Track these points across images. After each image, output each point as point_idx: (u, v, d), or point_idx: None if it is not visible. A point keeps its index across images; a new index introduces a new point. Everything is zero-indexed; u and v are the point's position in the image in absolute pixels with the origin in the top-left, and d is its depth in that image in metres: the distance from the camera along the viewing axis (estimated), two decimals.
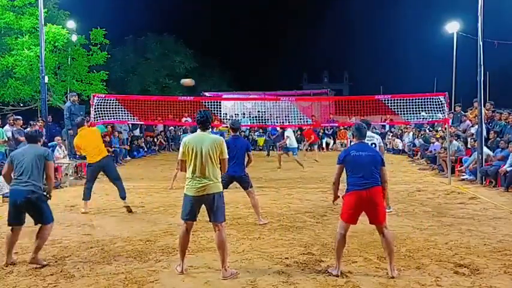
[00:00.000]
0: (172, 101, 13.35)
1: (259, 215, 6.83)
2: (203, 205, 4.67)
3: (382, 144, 7.25)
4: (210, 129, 4.90)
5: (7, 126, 11.07)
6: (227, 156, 4.70)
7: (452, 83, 21.40)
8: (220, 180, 4.69)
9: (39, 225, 5.08)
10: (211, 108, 14.28)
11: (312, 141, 16.96)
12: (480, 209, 7.79)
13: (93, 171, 7.74)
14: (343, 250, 4.70)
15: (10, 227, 5.11)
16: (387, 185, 4.78)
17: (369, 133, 6.44)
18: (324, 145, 20.67)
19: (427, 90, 20.88)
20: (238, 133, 7.10)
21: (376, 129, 20.37)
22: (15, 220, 5.08)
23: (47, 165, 5.07)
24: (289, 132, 13.38)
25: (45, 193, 5.04)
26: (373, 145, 6.76)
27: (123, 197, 7.68)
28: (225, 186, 6.47)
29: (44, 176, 5.11)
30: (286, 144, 13.35)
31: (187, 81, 12.18)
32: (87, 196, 7.68)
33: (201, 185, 4.55)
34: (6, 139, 10.78)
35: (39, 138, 5.40)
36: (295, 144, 13.59)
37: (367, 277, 4.58)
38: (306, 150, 16.94)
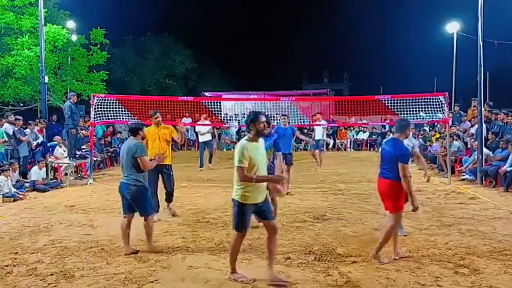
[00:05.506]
0: (172, 101, 13.34)
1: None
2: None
3: None
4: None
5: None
6: (236, 164, 4.27)
7: (452, 83, 21.38)
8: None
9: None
10: (211, 108, 14.29)
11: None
12: (480, 209, 7.79)
13: None
14: None
15: (123, 216, 5.46)
16: None
17: None
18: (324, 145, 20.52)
19: (427, 90, 20.87)
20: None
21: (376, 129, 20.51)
22: (127, 211, 5.44)
23: (138, 161, 5.21)
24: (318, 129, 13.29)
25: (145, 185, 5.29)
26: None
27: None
28: None
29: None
30: (313, 141, 13.15)
31: None
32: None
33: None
34: (6, 139, 10.78)
35: (138, 131, 5.47)
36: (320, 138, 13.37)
37: (367, 277, 4.58)
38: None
